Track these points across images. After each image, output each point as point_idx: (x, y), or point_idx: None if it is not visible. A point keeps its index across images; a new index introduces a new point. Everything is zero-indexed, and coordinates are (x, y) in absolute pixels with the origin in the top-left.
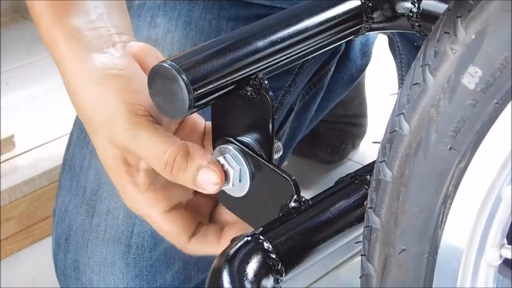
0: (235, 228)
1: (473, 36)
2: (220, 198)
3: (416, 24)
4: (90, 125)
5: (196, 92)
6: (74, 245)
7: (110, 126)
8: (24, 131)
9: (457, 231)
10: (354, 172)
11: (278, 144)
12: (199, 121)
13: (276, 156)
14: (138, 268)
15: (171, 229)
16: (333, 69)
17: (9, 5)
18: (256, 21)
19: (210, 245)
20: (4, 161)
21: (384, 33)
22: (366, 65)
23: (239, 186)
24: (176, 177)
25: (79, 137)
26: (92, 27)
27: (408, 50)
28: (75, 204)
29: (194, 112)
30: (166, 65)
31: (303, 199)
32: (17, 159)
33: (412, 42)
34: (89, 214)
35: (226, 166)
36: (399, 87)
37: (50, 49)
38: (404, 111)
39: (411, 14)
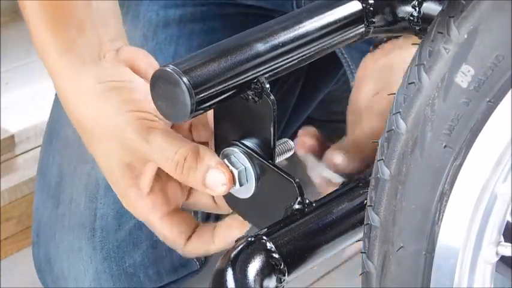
0: (225, 225)
1: (465, 36)
2: (227, 200)
3: (417, 27)
4: (91, 136)
5: (198, 96)
6: (44, 239)
7: (119, 135)
8: (24, 131)
9: (454, 228)
10: (358, 175)
11: (290, 144)
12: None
13: (288, 155)
14: (105, 250)
15: (169, 233)
16: None
17: (9, 5)
18: (203, 7)
19: (205, 244)
20: (4, 161)
21: None
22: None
23: (245, 186)
24: (186, 177)
25: (45, 141)
26: (83, 36)
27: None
28: (43, 201)
29: (196, 116)
30: (168, 69)
31: (307, 201)
32: (17, 159)
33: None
34: (54, 206)
35: (232, 167)
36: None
37: (42, 57)
38: (400, 110)
39: (412, 18)
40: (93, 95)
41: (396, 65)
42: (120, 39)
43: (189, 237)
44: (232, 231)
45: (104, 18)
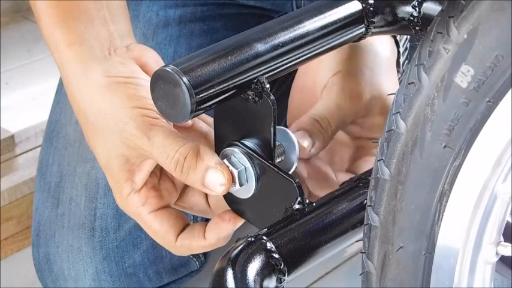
0: (217, 217)
1: (465, 36)
2: (227, 200)
3: (417, 28)
4: (93, 128)
5: (198, 96)
6: (43, 238)
7: (121, 130)
8: (24, 131)
9: (454, 228)
10: (358, 175)
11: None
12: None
13: (282, 158)
14: (105, 250)
15: (159, 228)
16: None
17: (9, 5)
18: (203, 7)
19: (196, 241)
20: (4, 161)
21: None
22: None
23: (245, 187)
24: (186, 176)
25: (46, 141)
26: (94, 31)
27: None
28: (42, 200)
29: (196, 116)
30: (169, 69)
31: (307, 201)
32: (17, 159)
33: None
34: (54, 206)
35: (231, 167)
36: None
37: (51, 50)
38: (400, 110)
39: (412, 18)
40: (100, 88)
41: (359, 47)
42: (129, 37)
43: (180, 234)
44: (224, 224)
45: (114, 15)
